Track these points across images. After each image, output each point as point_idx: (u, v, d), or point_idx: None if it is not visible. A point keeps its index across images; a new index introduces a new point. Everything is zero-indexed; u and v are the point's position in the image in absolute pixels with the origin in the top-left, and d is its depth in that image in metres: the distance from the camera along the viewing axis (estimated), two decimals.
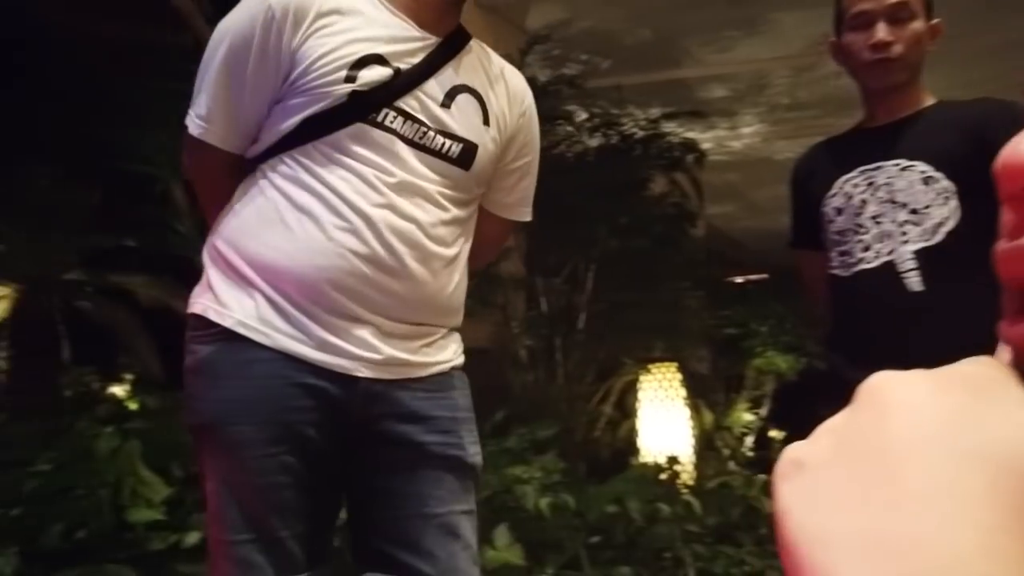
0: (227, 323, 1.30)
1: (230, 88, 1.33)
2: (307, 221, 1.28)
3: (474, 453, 1.41)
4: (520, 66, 1.91)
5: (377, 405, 1.35)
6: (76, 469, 3.14)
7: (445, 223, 1.36)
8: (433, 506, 1.34)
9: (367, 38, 1.32)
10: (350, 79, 1.30)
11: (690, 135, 5.77)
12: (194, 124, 1.35)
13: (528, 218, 1.56)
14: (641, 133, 5.35)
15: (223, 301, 1.31)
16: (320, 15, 1.30)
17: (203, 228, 5.85)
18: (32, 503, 2.89)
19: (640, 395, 5.44)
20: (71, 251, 7.71)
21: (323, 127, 1.30)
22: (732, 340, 7.10)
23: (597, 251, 4.94)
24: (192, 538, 2.74)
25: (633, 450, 5.32)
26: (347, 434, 1.34)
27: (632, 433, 5.40)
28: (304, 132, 1.32)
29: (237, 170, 1.37)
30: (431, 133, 1.34)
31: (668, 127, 5.51)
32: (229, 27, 1.32)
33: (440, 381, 1.41)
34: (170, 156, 6.17)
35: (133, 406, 6.64)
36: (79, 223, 7.66)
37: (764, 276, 8.95)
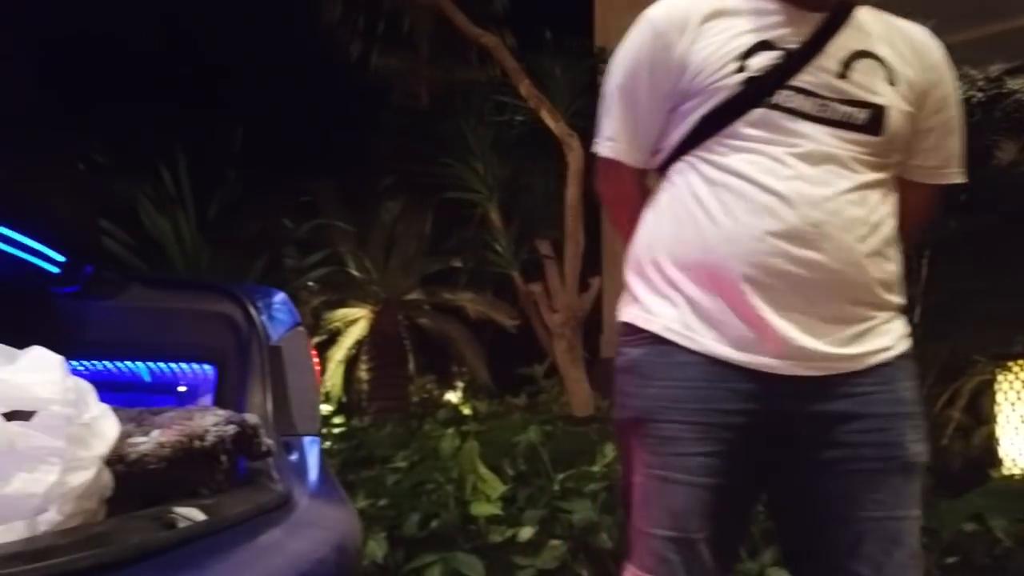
0: (654, 328, 1.33)
1: (627, 109, 1.43)
2: (718, 212, 1.30)
3: (916, 452, 1.29)
4: None
5: (804, 405, 1.27)
6: (426, 466, 3.55)
7: (862, 187, 1.29)
8: (871, 509, 1.26)
9: (751, 29, 1.33)
10: (741, 69, 1.32)
11: None
12: (603, 146, 1.47)
13: (959, 179, 1.42)
14: (980, 95, 4.68)
15: (649, 308, 1.36)
16: (704, 19, 1.34)
17: (518, 247, 6.28)
18: (394, 495, 3.33)
19: (998, 397, 4.75)
20: (412, 274, 8.83)
21: (721, 120, 1.32)
22: None
23: (932, 235, 4.38)
24: (526, 533, 2.95)
25: (992, 460, 4.65)
26: (771, 437, 1.32)
27: (990, 441, 4.74)
28: (703, 130, 1.35)
29: (643, 186, 1.46)
30: (833, 104, 1.29)
31: (1014, 84, 4.74)
32: (622, 54, 1.43)
33: (880, 373, 1.28)
34: (485, 182, 6.77)
35: (466, 410, 7.37)
36: (416, 249, 8.73)
37: None
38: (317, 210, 7.77)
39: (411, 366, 8.83)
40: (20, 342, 1.03)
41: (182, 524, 0.89)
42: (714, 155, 1.32)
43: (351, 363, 9.01)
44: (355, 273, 8.17)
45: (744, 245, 1.25)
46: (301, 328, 1.74)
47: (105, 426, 0.86)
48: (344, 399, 9.03)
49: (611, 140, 1.43)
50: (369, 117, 8.60)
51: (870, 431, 1.27)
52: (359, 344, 8.76)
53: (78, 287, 1.59)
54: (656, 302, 1.34)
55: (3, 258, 1.40)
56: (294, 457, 1.50)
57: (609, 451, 3.49)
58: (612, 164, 1.47)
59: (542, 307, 5.75)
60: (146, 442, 0.99)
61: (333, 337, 8.64)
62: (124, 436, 0.97)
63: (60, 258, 1.54)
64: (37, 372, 0.82)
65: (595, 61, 6.21)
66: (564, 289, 5.59)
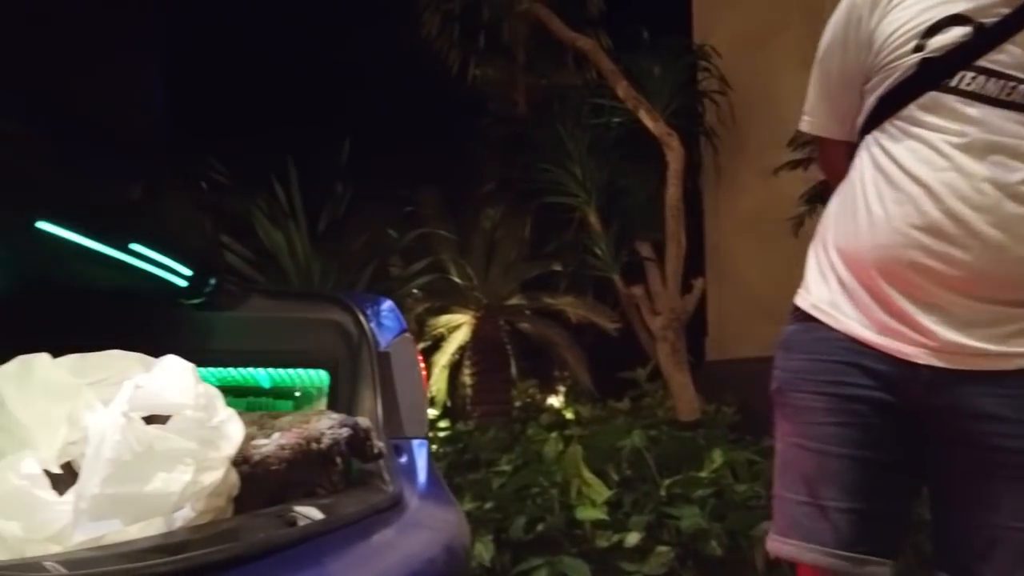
0: (804, 305, 1.37)
1: (823, 84, 1.44)
2: (874, 199, 1.28)
3: None
4: None
5: (941, 397, 1.23)
6: (530, 470, 3.58)
7: None
8: (1009, 519, 1.21)
9: (944, 1, 1.30)
10: (919, 48, 1.28)
11: None
12: (803, 120, 1.49)
13: None
14: None
15: (807, 286, 1.39)
16: None
17: (618, 249, 6.20)
18: (499, 498, 3.37)
19: None
20: (512, 279, 8.91)
21: (895, 103, 1.29)
22: None
23: None
24: (633, 539, 2.93)
25: None
26: (912, 423, 1.29)
27: None
28: (879, 111, 1.33)
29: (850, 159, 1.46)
30: (1022, 87, 1.25)
31: None
32: (827, 28, 1.44)
33: None
34: (584, 186, 6.76)
35: (569, 415, 7.36)
36: (516, 255, 8.81)
37: None
38: (420, 219, 7.96)
39: (513, 371, 8.90)
40: (153, 351, 1.10)
41: (302, 522, 0.94)
42: (885, 138, 1.29)
43: (455, 368, 9.17)
44: (457, 280, 8.31)
45: (884, 236, 1.24)
46: (408, 334, 1.79)
47: (232, 429, 0.92)
48: (448, 403, 9.19)
49: (808, 115, 1.45)
50: (469, 127, 8.75)
51: (1016, 436, 1.19)
52: (462, 349, 8.90)
53: (204, 299, 1.69)
54: (815, 280, 1.36)
55: (137, 273, 1.50)
56: (403, 459, 1.54)
57: (717, 457, 3.41)
58: (819, 138, 1.50)
59: (644, 310, 5.68)
60: (268, 444, 1.05)
61: (437, 343, 8.82)
62: (248, 438, 1.03)
63: (187, 272, 1.64)
64: (171, 379, 0.88)
65: (694, 58, 6.10)
66: (666, 291, 5.51)
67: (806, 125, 1.47)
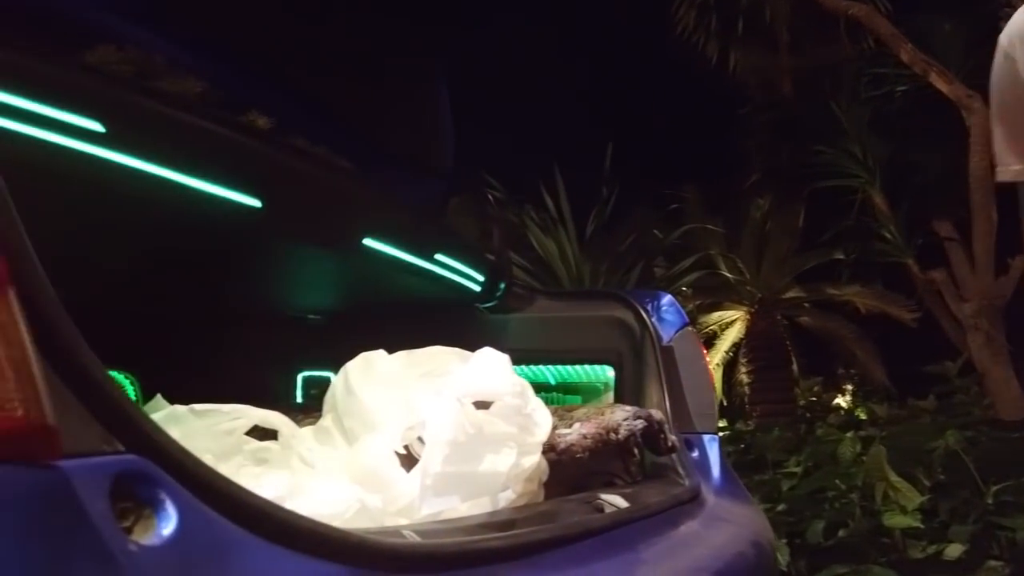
0: None
1: (1004, 122, 1.28)
2: None
3: None
4: None
5: None
6: (824, 472, 3.34)
7: None
8: None
9: None
10: None
11: None
12: (995, 173, 1.35)
13: None
14: None
15: None
16: None
17: (911, 231, 5.62)
18: (792, 501, 3.19)
19: None
20: (787, 271, 8.42)
21: None
22: None
23: None
24: (954, 550, 2.61)
25: None
26: None
27: None
28: None
29: None
30: None
31: None
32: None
33: None
34: (864, 165, 6.20)
35: (861, 415, 6.75)
36: (790, 245, 8.32)
37: None
38: (684, 216, 7.83)
39: (795, 368, 8.39)
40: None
41: (608, 510, 0.96)
42: None
43: (729, 366, 8.87)
44: (728, 275, 8.04)
45: None
46: (690, 328, 1.77)
47: (542, 416, 0.97)
48: (724, 402, 8.92)
49: (1003, 164, 1.28)
50: (728, 118, 8.46)
51: None
52: (736, 347, 8.59)
53: (495, 302, 1.82)
54: None
55: (440, 281, 1.66)
56: (695, 454, 1.52)
57: None
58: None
59: (947, 296, 5.06)
60: (570, 433, 1.09)
61: (709, 340, 8.60)
62: (552, 428, 1.07)
63: (480, 278, 1.77)
64: (490, 369, 0.96)
65: (995, 5, 5.34)
66: (974, 274, 4.86)
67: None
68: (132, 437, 0.49)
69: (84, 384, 0.47)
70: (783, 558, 2.81)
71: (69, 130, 0.90)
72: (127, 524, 0.46)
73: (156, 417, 0.86)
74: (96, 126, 0.93)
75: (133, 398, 1.44)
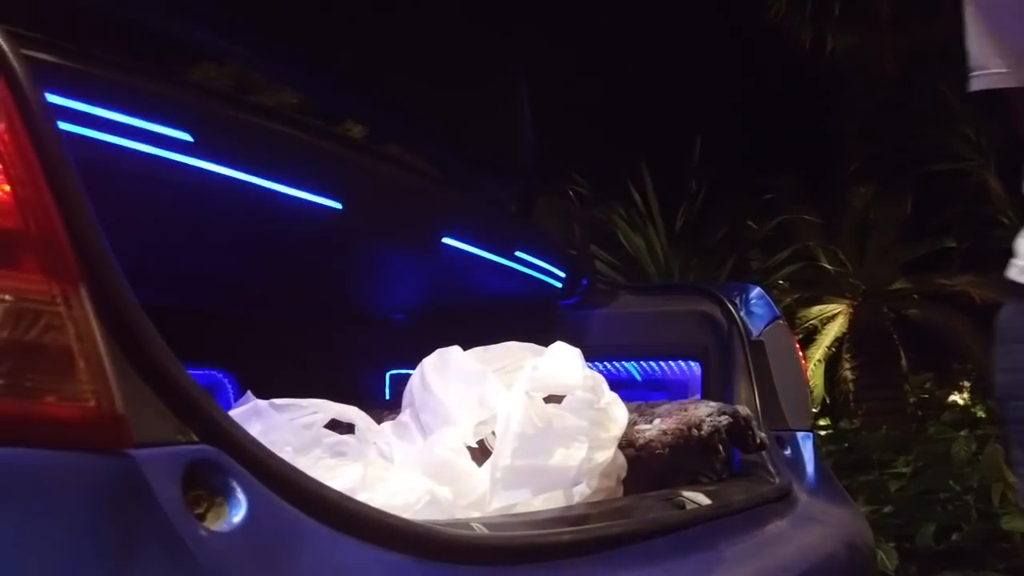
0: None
1: (988, 23, 1.13)
2: None
3: None
4: None
5: None
6: (935, 473, 3.16)
7: None
8: None
9: None
10: None
11: None
12: (968, 83, 1.20)
13: None
14: None
15: None
16: None
17: None
18: (900, 502, 3.03)
19: None
20: (893, 262, 8.00)
21: None
22: None
23: None
24: None
25: None
26: None
27: None
28: None
29: None
30: None
31: None
32: None
33: None
34: (978, 147, 5.82)
35: (980, 412, 6.33)
36: (895, 234, 7.91)
37: None
38: (780, 207, 7.57)
39: (903, 363, 7.97)
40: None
41: (690, 507, 0.94)
42: None
43: (832, 362, 8.50)
44: (827, 267, 7.72)
45: None
46: (782, 321, 1.71)
47: (617, 411, 0.95)
48: (827, 400, 8.56)
49: (980, 69, 1.09)
50: (824, 104, 8.11)
51: None
52: (839, 341, 8.23)
53: (577, 299, 1.81)
54: None
55: (521, 277, 1.66)
56: (787, 452, 1.47)
57: None
58: (993, 95, 1.10)
59: None
60: (650, 429, 1.07)
61: (810, 335, 8.28)
62: (631, 423, 1.06)
63: (562, 274, 1.77)
64: (562, 363, 0.95)
65: None
66: None
67: (973, 84, 1.07)
68: (206, 428, 0.51)
69: (160, 379, 0.50)
70: (891, 562, 2.68)
71: (166, 142, 0.95)
72: (200, 511, 0.48)
73: (239, 411, 0.90)
74: (188, 137, 0.98)
75: (230, 395, 1.52)
